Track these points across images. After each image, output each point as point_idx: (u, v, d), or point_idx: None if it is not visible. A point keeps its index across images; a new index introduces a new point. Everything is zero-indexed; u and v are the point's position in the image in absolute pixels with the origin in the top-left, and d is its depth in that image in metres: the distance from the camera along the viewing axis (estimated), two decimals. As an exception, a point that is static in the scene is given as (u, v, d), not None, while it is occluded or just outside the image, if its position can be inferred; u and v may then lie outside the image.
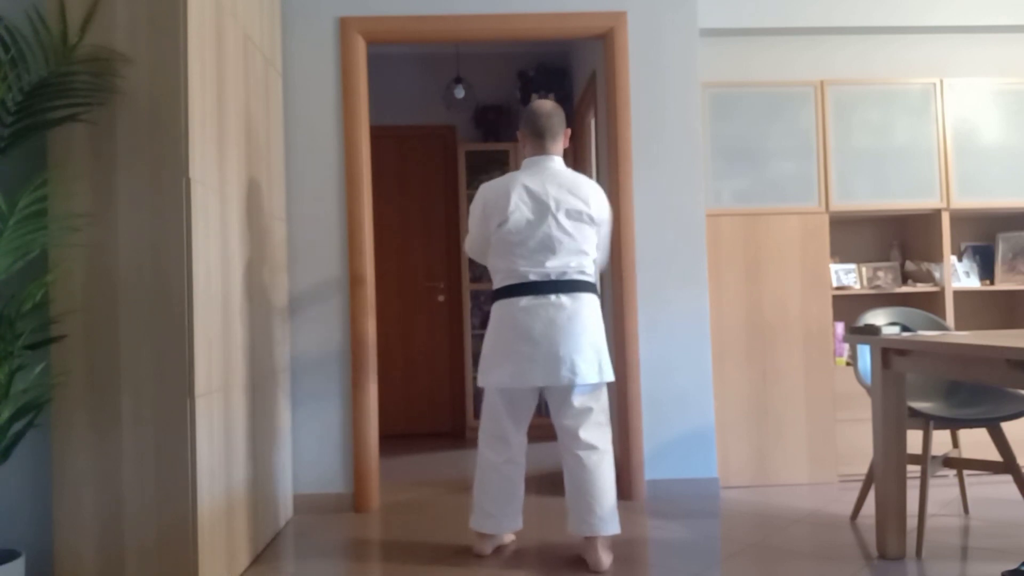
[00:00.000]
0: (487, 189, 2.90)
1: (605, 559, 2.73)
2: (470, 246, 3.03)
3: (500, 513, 2.91)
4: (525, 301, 2.77)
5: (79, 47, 2.31)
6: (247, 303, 2.92)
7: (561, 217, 2.78)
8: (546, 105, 2.92)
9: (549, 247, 2.78)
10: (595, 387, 2.82)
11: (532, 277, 2.78)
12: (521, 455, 2.94)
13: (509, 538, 3.04)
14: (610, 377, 2.83)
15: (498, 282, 2.88)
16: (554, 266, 2.78)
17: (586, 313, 2.79)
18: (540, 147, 2.91)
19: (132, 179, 2.33)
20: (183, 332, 2.32)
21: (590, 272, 2.86)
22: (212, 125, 2.56)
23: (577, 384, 2.76)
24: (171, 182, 2.34)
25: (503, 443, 2.89)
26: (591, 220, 2.82)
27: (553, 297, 2.76)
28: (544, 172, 2.86)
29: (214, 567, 2.46)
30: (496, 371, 2.82)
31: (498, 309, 2.85)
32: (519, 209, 2.79)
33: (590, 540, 2.75)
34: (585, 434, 2.78)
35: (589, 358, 2.76)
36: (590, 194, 2.84)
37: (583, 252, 2.82)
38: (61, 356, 2.31)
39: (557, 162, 2.91)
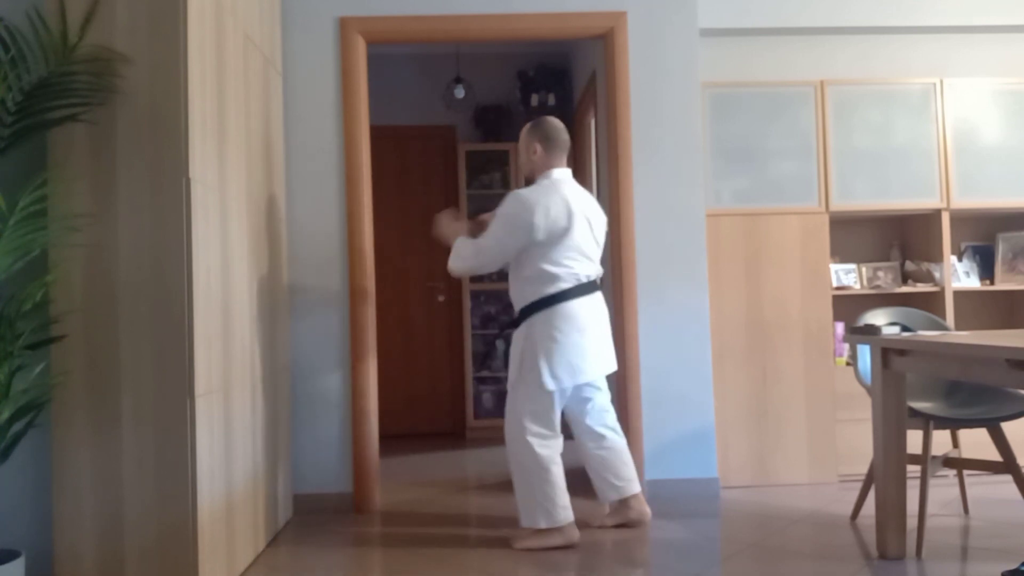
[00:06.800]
0: (539, 198, 3.00)
1: (648, 508, 3.22)
2: (489, 255, 3.06)
3: (565, 503, 2.99)
4: (585, 300, 3.05)
5: (79, 47, 2.31)
6: (247, 303, 2.92)
7: (594, 224, 3.10)
8: (559, 122, 3.18)
9: (592, 252, 3.10)
10: (609, 376, 3.22)
11: (583, 279, 3.05)
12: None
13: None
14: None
15: (551, 286, 3.01)
16: (594, 269, 3.11)
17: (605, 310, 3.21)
18: (560, 160, 3.14)
19: (132, 179, 2.33)
20: (183, 332, 2.32)
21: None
22: (212, 125, 2.56)
23: (607, 373, 3.17)
24: (171, 182, 2.34)
25: (555, 438, 3.04)
26: (601, 236, 3.20)
27: (596, 295, 3.11)
28: (573, 184, 3.13)
29: (214, 567, 2.46)
30: (571, 369, 3.01)
31: (562, 311, 2.99)
32: (577, 217, 3.00)
33: (635, 497, 3.19)
34: (610, 418, 3.21)
35: (611, 349, 3.20)
36: (597, 205, 3.21)
37: (600, 257, 3.19)
38: (61, 356, 2.31)
39: (571, 175, 3.18)
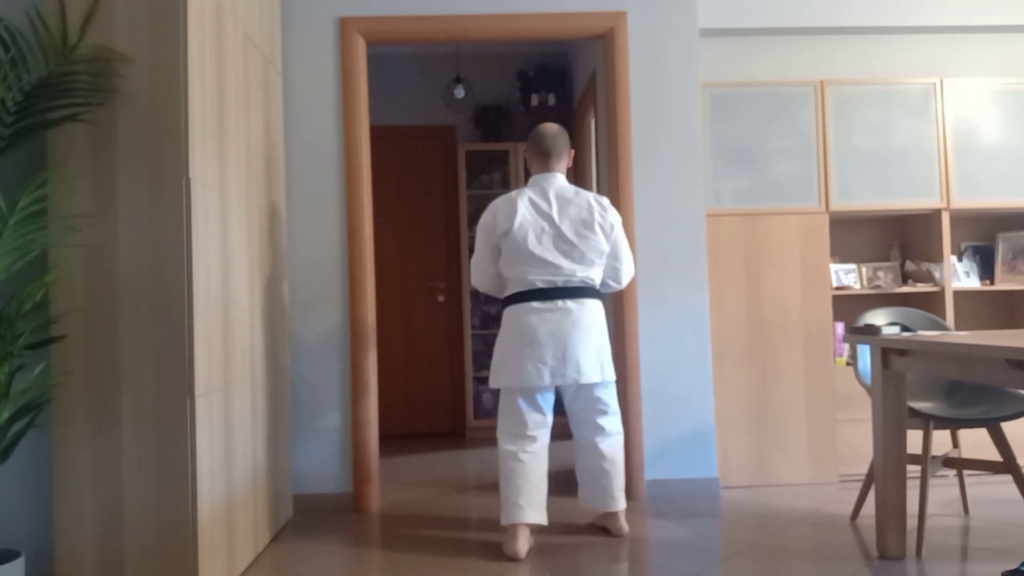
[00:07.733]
0: (498, 202, 3.11)
1: (625, 526, 3.11)
2: (476, 269, 3.17)
3: (525, 503, 2.94)
4: (534, 306, 2.98)
5: (79, 47, 2.31)
6: (247, 303, 2.92)
7: (565, 227, 2.99)
8: (552, 127, 3.18)
9: (554, 256, 2.98)
10: (603, 383, 3.06)
11: (539, 284, 2.99)
12: (541, 449, 3.03)
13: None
14: (611, 377, 3.09)
15: (508, 290, 3.08)
16: (560, 274, 2.98)
17: (590, 318, 3.01)
18: (545, 165, 3.14)
19: (132, 179, 2.33)
20: (183, 332, 2.32)
21: (595, 279, 3.06)
22: (212, 125, 2.56)
23: (581, 383, 2.99)
24: (171, 182, 2.34)
25: (521, 439, 3.01)
26: (599, 228, 3.02)
27: (560, 303, 2.98)
28: (549, 187, 3.08)
29: (214, 567, 2.46)
30: (507, 373, 3.01)
31: (508, 315, 3.07)
32: (525, 220, 2.99)
33: (610, 514, 3.10)
34: (600, 421, 3.08)
35: (592, 359, 2.99)
36: (593, 204, 3.05)
37: (588, 260, 3.02)
38: (61, 356, 2.31)
39: (560, 178, 3.14)
